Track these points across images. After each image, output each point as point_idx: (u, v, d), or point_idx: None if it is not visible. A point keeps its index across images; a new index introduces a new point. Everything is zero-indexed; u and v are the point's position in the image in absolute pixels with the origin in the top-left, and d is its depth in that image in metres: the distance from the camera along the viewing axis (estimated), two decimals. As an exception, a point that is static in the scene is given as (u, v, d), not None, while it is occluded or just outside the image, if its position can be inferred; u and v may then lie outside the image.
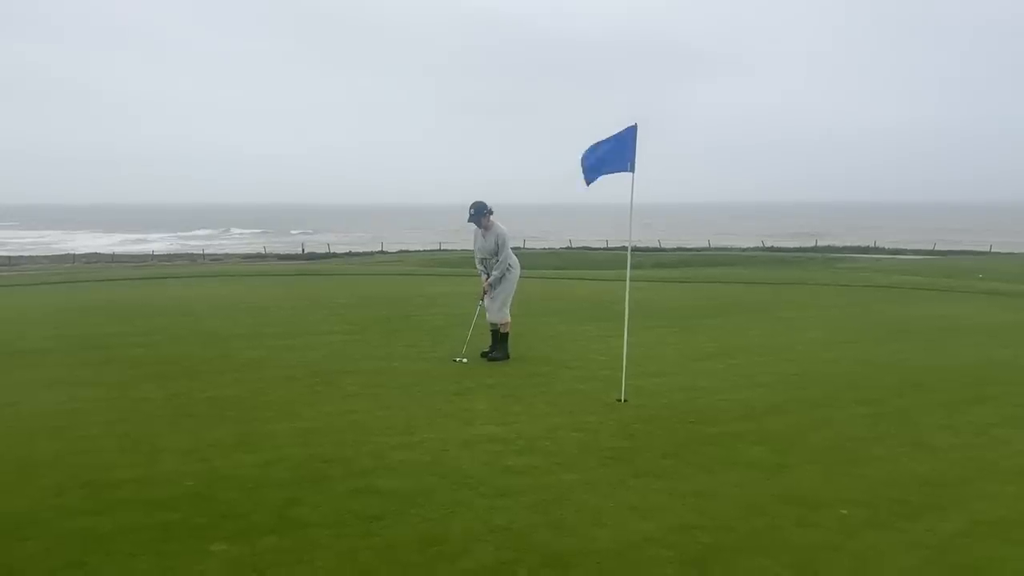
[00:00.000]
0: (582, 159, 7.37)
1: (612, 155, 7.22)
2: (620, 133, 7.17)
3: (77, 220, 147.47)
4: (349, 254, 51.98)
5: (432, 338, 10.35)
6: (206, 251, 57.07)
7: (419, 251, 53.62)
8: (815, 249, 47.27)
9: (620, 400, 7.16)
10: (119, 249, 62.53)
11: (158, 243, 74.45)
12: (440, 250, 53.56)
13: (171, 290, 16.95)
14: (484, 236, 8.99)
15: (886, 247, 49.39)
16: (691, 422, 6.48)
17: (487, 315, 9.11)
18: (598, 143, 7.30)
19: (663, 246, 53.09)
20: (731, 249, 51.84)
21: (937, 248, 48.16)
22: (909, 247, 49.64)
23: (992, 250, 46.59)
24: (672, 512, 4.58)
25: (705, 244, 56.67)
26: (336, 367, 8.42)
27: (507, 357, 8.94)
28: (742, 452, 5.72)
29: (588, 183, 7.43)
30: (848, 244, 51.14)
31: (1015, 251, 45.48)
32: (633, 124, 7.20)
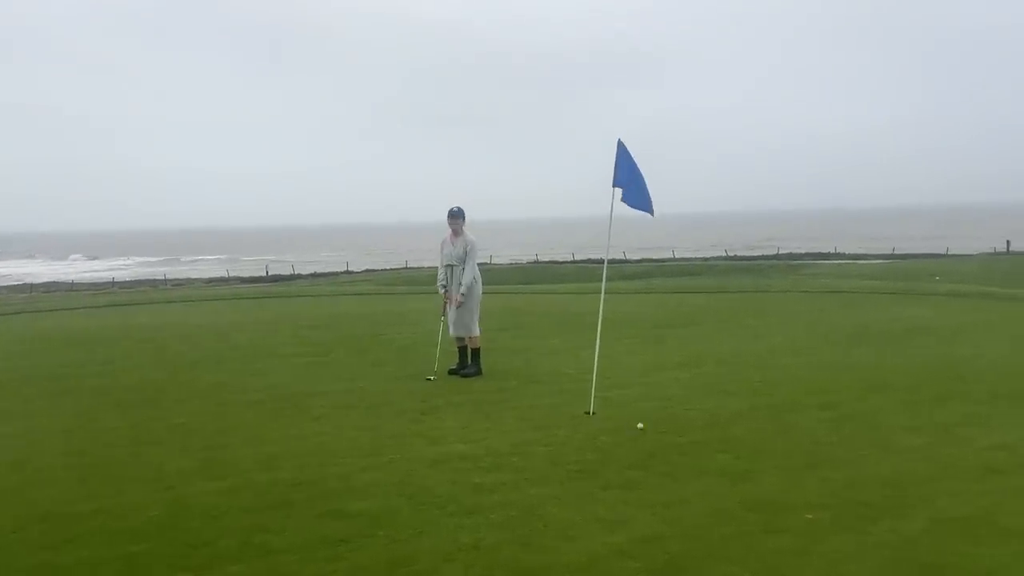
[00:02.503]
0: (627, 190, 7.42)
1: (639, 193, 7.43)
2: (629, 162, 7.33)
3: (20, 249, 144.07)
4: (314, 275, 51.54)
5: (399, 357, 10.30)
6: (168, 276, 56.28)
7: (385, 270, 53.36)
8: (777, 256, 47.94)
9: (588, 413, 7.18)
10: (78, 277, 61.36)
11: (119, 271, 73.19)
12: (406, 268, 53.33)
13: (133, 317, 16.68)
14: (453, 242, 8.89)
15: (847, 252, 50.25)
16: (658, 432, 6.51)
17: (456, 330, 8.94)
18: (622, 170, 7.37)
19: (628, 257, 53.45)
20: (694, 259, 52.37)
21: (896, 252, 49.10)
22: (869, 252, 50.54)
23: (948, 252, 47.60)
24: (640, 523, 4.60)
25: (669, 255, 57.19)
26: (301, 389, 8.33)
27: (480, 372, 8.90)
28: (709, 460, 5.76)
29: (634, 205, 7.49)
30: (809, 251, 51.95)
31: (970, 253, 46.50)
32: (618, 140, 7.35)
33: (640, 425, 6.43)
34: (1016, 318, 13.52)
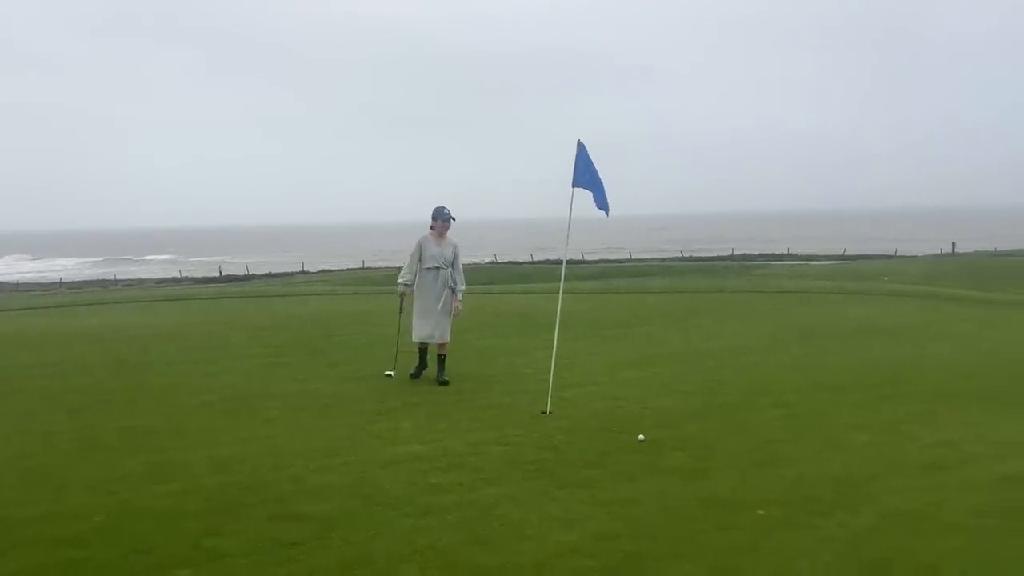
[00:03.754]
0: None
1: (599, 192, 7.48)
2: (587, 163, 7.35)
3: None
4: (269, 275, 50.83)
5: (355, 357, 10.20)
6: (118, 277, 55.05)
7: (342, 270, 52.83)
8: (731, 257, 48.65)
9: (545, 412, 7.19)
10: (24, 277, 59.72)
11: (65, 271, 71.35)
12: (363, 268, 52.88)
13: (81, 318, 16.27)
14: (439, 244, 8.53)
15: (799, 253, 51.21)
16: (613, 431, 6.55)
17: (435, 335, 8.50)
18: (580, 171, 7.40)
19: (586, 258, 53.71)
20: (650, 260, 52.84)
21: (847, 253, 50.14)
22: (821, 253, 51.55)
23: (897, 254, 48.76)
24: (595, 521, 4.62)
25: (627, 256, 57.60)
26: (254, 391, 8.20)
27: None
28: (663, 459, 5.81)
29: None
30: (763, 252, 52.80)
31: (917, 254, 47.70)
32: (578, 141, 7.37)
33: (641, 437, 6.31)
34: (960, 318, 13.90)
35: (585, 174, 7.39)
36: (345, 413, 7.25)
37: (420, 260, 8.53)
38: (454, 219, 8.62)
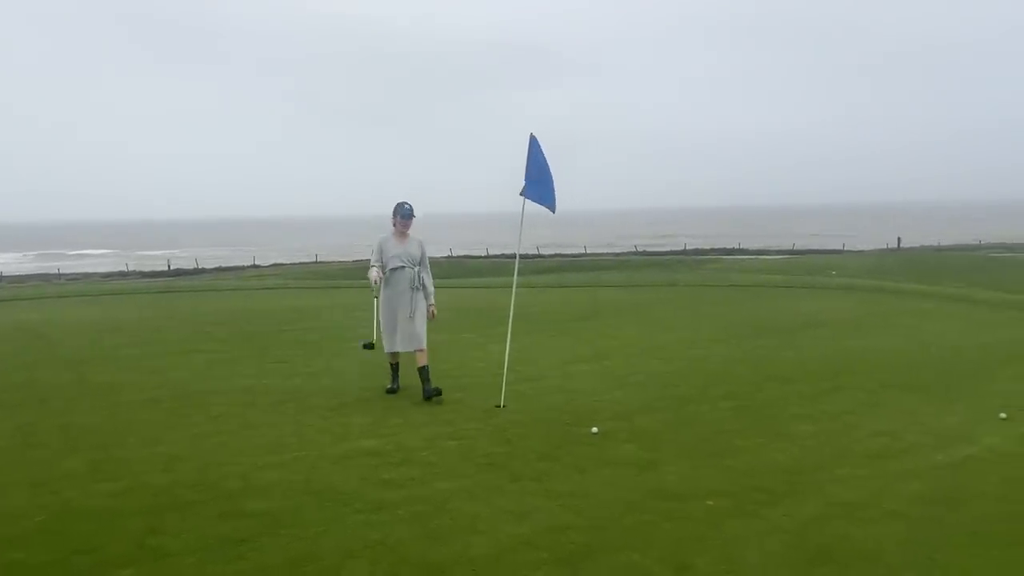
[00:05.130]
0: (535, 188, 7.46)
1: (544, 188, 7.45)
2: (538, 157, 7.37)
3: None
4: (219, 269, 49.97)
5: (306, 352, 10.07)
6: (62, 271, 53.56)
7: (293, 264, 52.19)
8: (683, 252, 49.29)
9: (499, 406, 7.19)
10: (-39, 271, 57.69)
11: (4, 265, 69.11)
12: (316, 262, 52.29)
13: (21, 313, 15.79)
14: (403, 242, 7.73)
15: (750, 248, 52.05)
16: (566, 423, 6.58)
17: (409, 344, 7.64)
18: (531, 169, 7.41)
19: (541, 253, 53.89)
20: (605, 254, 53.24)
21: (796, 248, 51.13)
22: (772, 248, 52.47)
23: (845, 248, 49.87)
24: (547, 513, 4.63)
25: (582, 250, 57.94)
26: (201, 387, 8.05)
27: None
28: (614, 451, 5.85)
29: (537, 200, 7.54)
30: (715, 246, 53.56)
31: (865, 249, 48.84)
32: (530, 134, 7.36)
33: (594, 430, 6.37)
34: (904, 311, 14.26)
35: (535, 168, 7.39)
36: (295, 409, 7.15)
37: (382, 261, 7.75)
38: (415, 216, 7.82)
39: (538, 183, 7.44)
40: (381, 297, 7.78)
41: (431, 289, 7.85)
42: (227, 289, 21.41)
